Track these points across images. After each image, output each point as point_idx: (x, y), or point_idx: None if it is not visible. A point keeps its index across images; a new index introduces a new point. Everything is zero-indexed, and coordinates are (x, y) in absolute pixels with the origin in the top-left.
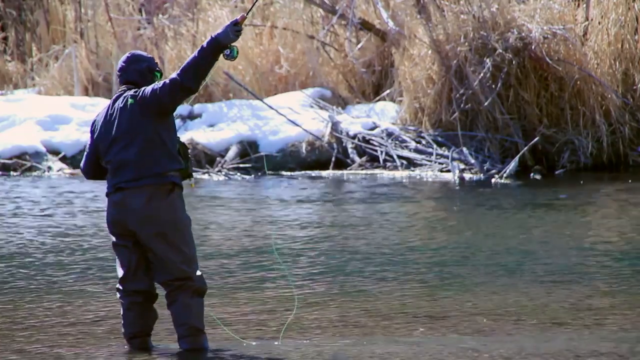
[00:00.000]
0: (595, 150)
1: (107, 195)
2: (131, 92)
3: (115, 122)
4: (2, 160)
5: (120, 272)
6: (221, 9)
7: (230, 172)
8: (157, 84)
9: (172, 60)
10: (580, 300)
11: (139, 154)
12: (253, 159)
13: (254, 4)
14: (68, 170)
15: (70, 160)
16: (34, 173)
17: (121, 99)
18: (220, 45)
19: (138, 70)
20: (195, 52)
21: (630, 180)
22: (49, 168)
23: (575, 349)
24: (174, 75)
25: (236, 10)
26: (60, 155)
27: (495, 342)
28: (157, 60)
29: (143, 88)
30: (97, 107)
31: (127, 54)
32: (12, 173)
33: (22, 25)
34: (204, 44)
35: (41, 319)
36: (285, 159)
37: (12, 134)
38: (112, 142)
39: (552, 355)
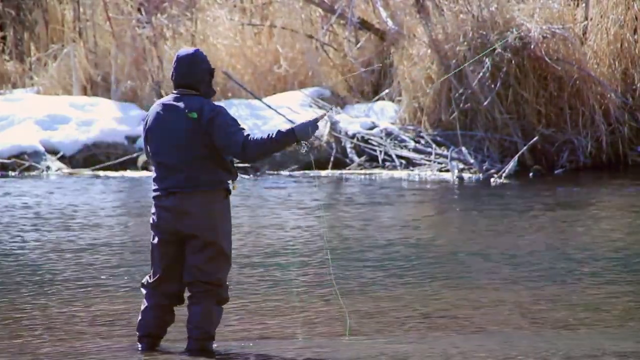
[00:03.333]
0: (595, 150)
1: (155, 198)
2: (192, 103)
3: (170, 127)
4: (1, 160)
5: (154, 272)
6: (220, 9)
7: None
8: (232, 129)
9: (171, 60)
10: (581, 300)
11: (192, 162)
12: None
13: (323, 116)
14: (67, 169)
15: (69, 160)
16: (33, 173)
17: (181, 105)
18: (295, 139)
19: (200, 75)
20: (272, 135)
21: (630, 180)
22: (48, 168)
23: (575, 349)
24: (241, 139)
25: (235, 10)
26: (59, 155)
27: (495, 342)
28: (155, 60)
29: (212, 111)
30: (96, 106)
31: (187, 52)
32: (10, 173)
33: (21, 24)
34: (282, 131)
35: (46, 315)
36: (285, 159)
37: (11, 133)
38: (166, 144)
39: (552, 355)
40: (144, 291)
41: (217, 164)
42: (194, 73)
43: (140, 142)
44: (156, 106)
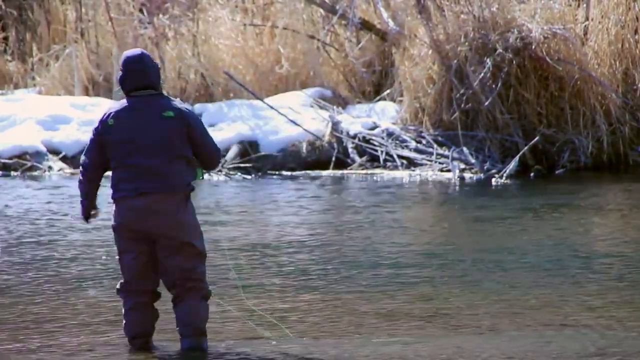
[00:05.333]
0: (595, 150)
1: (121, 199)
2: (163, 102)
3: (145, 128)
4: (3, 160)
5: (127, 273)
6: (222, 9)
7: (231, 172)
8: (210, 141)
9: (173, 60)
10: (581, 301)
11: (168, 163)
12: (253, 158)
13: None
14: (68, 170)
15: (71, 160)
16: (35, 173)
17: (152, 105)
18: None
19: (157, 73)
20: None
21: (630, 180)
22: (50, 168)
23: (575, 349)
24: (217, 147)
25: (236, 10)
26: (60, 155)
27: (496, 342)
28: (157, 60)
29: (186, 111)
30: (98, 107)
31: (136, 53)
32: (12, 173)
33: (23, 25)
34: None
35: (43, 317)
36: (286, 159)
37: (13, 133)
38: (139, 147)
39: (552, 355)
40: (120, 295)
41: (189, 164)
42: (148, 72)
43: None
44: (120, 110)
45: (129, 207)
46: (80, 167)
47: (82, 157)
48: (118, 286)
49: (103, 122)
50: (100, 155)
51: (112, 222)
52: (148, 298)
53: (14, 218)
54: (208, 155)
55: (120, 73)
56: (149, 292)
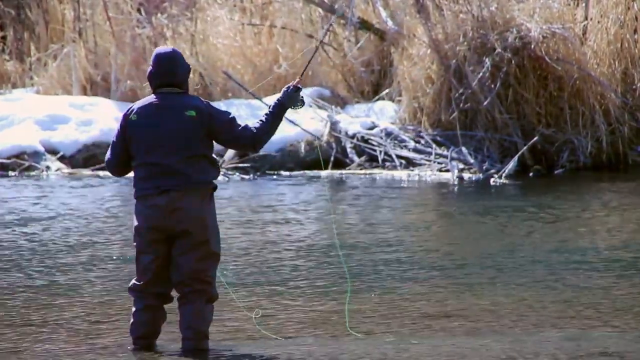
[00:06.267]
0: (595, 150)
1: (143, 197)
2: (186, 101)
3: (165, 127)
4: (1, 160)
5: (143, 275)
6: (220, 9)
7: (229, 172)
8: (235, 123)
9: None
10: (581, 301)
11: (187, 162)
12: (252, 158)
13: (306, 67)
14: (66, 169)
15: (69, 160)
16: (32, 173)
17: (174, 104)
18: (286, 108)
19: (186, 73)
20: (270, 118)
21: (630, 180)
22: (47, 168)
23: (575, 348)
24: (251, 134)
25: (235, 9)
26: (58, 155)
27: (496, 342)
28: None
29: (207, 110)
30: (96, 106)
31: (167, 50)
32: (10, 173)
33: (21, 24)
34: (274, 110)
35: (41, 315)
36: (284, 159)
37: (11, 133)
38: (159, 145)
39: (552, 355)
40: (132, 295)
41: (210, 162)
42: (177, 72)
43: None
44: (143, 106)
45: (150, 206)
46: (106, 166)
47: (107, 155)
48: (130, 285)
49: (127, 116)
50: (124, 152)
51: (134, 223)
52: (159, 301)
53: (54, 218)
54: (240, 142)
55: (150, 68)
56: (162, 296)
